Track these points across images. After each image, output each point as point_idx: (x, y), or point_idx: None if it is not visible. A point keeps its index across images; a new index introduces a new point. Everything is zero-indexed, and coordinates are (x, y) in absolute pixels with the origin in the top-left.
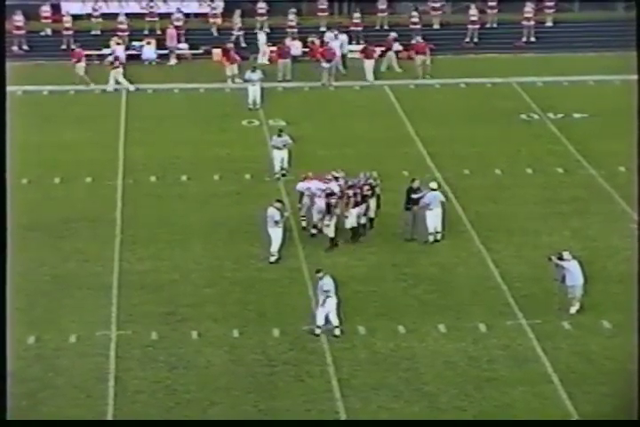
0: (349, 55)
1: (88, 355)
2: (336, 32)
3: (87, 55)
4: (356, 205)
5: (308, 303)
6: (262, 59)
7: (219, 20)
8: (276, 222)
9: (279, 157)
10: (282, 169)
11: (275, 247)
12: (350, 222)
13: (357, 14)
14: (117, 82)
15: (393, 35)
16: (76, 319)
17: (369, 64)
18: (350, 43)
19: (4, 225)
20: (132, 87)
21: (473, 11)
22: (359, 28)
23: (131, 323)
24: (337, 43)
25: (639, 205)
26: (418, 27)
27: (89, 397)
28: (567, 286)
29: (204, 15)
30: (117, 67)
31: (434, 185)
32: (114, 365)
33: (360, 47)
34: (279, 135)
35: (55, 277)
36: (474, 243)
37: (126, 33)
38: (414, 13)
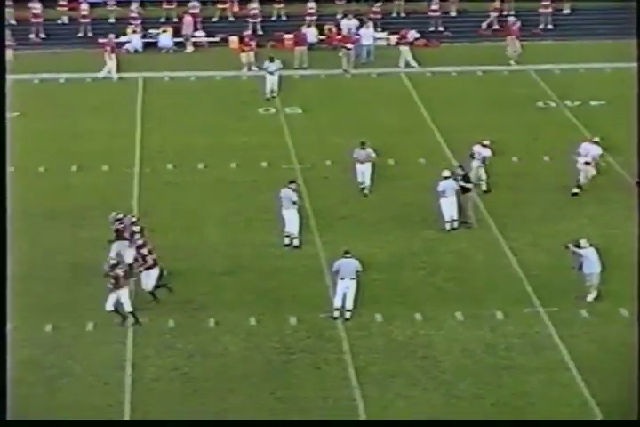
0: (376, 43)
1: (105, 343)
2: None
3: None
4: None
5: (325, 291)
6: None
7: (235, 8)
8: (294, 203)
9: (360, 172)
10: (362, 183)
11: (292, 229)
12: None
13: (379, 3)
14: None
15: (512, 19)
16: (93, 307)
17: (405, 50)
18: (375, 30)
19: (3, 224)
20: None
21: None
22: (379, 16)
23: (148, 311)
24: (362, 29)
25: None
26: (438, 14)
27: (106, 384)
28: (584, 274)
29: (221, 2)
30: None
31: (446, 173)
32: (131, 352)
33: (385, 35)
34: (362, 148)
35: (73, 265)
36: (491, 231)
37: (139, 21)
38: (435, 0)
